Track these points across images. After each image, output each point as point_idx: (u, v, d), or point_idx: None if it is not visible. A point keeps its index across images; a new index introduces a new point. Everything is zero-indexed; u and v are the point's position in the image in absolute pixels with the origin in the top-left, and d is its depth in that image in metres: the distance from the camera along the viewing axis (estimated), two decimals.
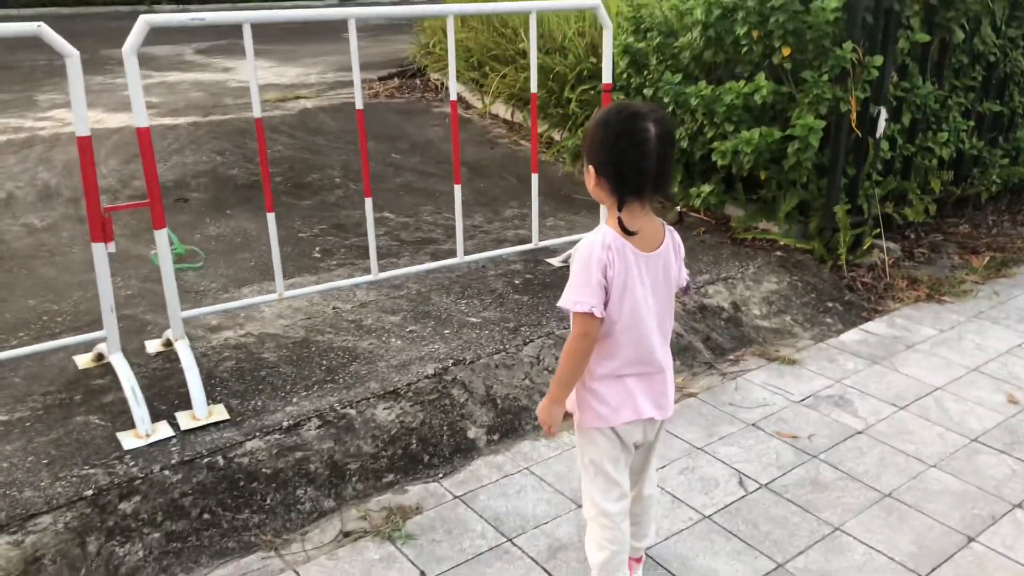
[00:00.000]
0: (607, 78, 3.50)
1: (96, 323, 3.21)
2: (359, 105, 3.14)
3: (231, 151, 5.93)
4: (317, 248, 4.26)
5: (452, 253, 3.69)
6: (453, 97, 3.39)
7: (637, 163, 1.75)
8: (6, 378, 2.96)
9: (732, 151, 3.93)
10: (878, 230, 4.14)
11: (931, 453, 2.74)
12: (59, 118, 6.75)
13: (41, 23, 2.39)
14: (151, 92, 7.75)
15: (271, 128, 6.63)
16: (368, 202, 3.28)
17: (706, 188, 4.25)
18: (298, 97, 7.82)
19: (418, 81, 8.39)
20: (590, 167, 1.83)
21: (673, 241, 1.93)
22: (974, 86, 4.40)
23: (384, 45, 10.58)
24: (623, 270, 1.82)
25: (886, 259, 4.07)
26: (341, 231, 4.49)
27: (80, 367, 3.04)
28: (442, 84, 8.03)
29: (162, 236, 2.84)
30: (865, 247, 4.09)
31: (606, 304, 1.83)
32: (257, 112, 2.97)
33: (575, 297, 1.82)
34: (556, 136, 5.99)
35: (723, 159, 3.99)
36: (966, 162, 4.55)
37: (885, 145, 4.02)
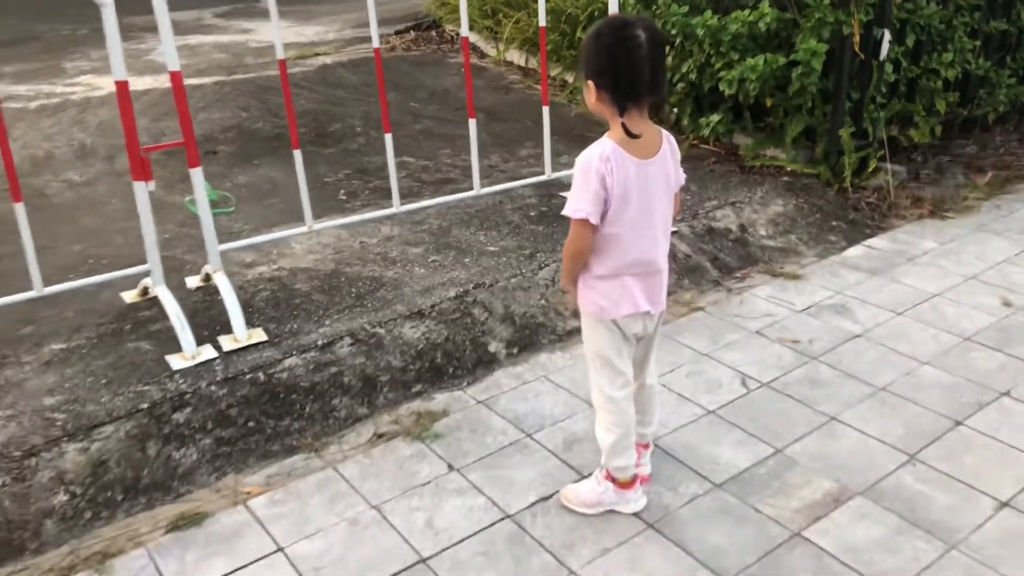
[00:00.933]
0: (614, 7, 3.62)
1: (139, 262, 3.44)
2: (375, 44, 3.30)
3: (256, 107, 6.11)
4: (342, 191, 4.45)
5: (470, 191, 3.87)
6: (464, 33, 3.54)
7: (631, 68, 1.89)
8: (61, 312, 3.20)
9: (738, 79, 4.04)
10: (883, 152, 4.24)
11: (925, 352, 2.90)
12: (88, 83, 6.97)
13: None
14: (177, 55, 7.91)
15: (293, 83, 6.78)
16: (388, 138, 3.45)
17: (715, 118, 4.37)
18: (317, 54, 7.96)
19: (434, 33, 8.48)
20: (589, 81, 1.95)
21: (670, 145, 2.07)
22: (980, 5, 4.44)
23: (401, 0, 10.65)
24: (623, 179, 1.96)
25: (891, 181, 4.19)
26: (364, 175, 4.67)
27: (127, 301, 3.27)
28: (457, 34, 8.12)
29: (197, 174, 3.04)
30: (871, 170, 4.20)
31: (606, 212, 1.98)
32: (280, 54, 3.13)
33: (574, 204, 1.98)
34: (569, 78, 6.09)
35: (730, 88, 4.11)
36: (972, 83, 4.61)
37: (889, 68, 4.11)
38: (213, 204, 4.23)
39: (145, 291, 3.28)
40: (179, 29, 9.76)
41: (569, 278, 2.12)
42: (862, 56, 3.96)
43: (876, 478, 2.32)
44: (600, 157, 1.95)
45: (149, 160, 2.95)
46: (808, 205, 3.99)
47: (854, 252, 3.69)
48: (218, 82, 6.85)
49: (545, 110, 3.85)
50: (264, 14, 10.47)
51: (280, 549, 2.16)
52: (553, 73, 6.34)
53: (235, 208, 4.23)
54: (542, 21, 3.67)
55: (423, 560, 2.10)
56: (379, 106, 5.99)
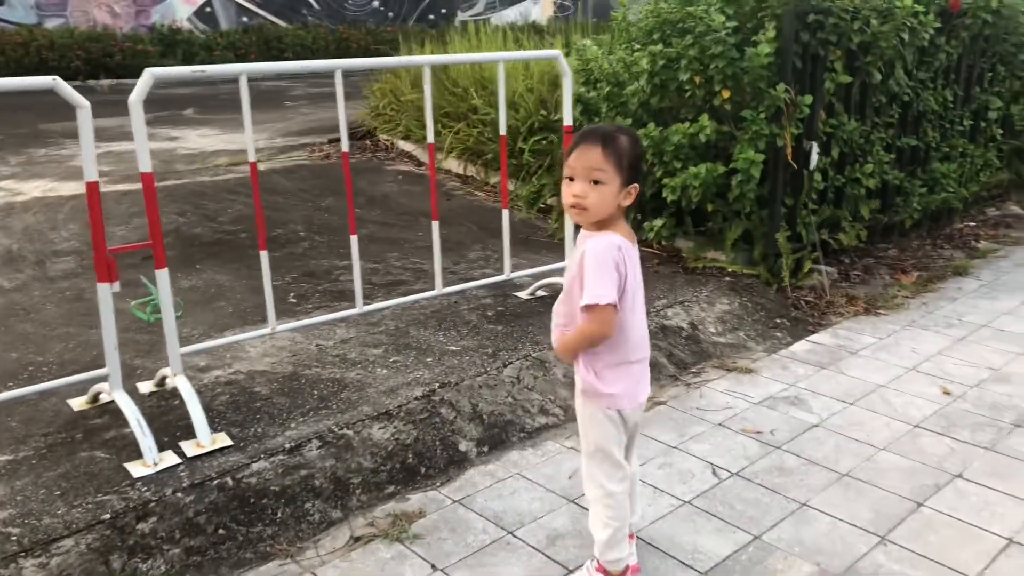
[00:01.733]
0: (568, 121, 3.82)
1: (83, 368, 3.33)
2: (344, 148, 3.39)
3: (191, 211, 6.08)
4: (292, 294, 4.43)
5: (423, 292, 3.92)
6: (431, 140, 3.68)
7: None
8: (3, 422, 3.05)
9: (681, 186, 4.27)
10: (816, 254, 4.50)
11: (880, 439, 3.03)
12: (8, 187, 6.81)
13: (56, 77, 2.59)
14: (101, 161, 7.84)
15: (228, 190, 6.81)
16: (354, 239, 3.49)
17: (658, 222, 4.58)
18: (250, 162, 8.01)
19: (368, 142, 8.67)
20: (635, 186, 2.06)
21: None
22: (892, 123, 4.86)
23: (330, 111, 10.88)
24: (630, 267, 2.07)
25: (825, 281, 4.43)
26: (313, 278, 4.67)
27: (76, 409, 3.14)
28: (392, 144, 8.33)
29: (163, 276, 3.01)
30: (805, 270, 4.44)
31: (621, 299, 2.05)
32: (252, 156, 3.18)
33: (601, 291, 1.99)
34: (510, 186, 6.30)
35: (673, 193, 4.33)
36: (890, 192, 4.98)
37: (818, 176, 4.41)
38: (157, 308, 4.16)
39: (95, 397, 3.16)
40: (104, 136, 9.70)
41: (572, 355, 2.15)
42: (795, 166, 4.25)
43: (853, 559, 2.38)
44: (616, 247, 2.03)
45: (115, 261, 2.90)
46: (752, 303, 4.18)
47: (800, 347, 3.86)
48: None
49: (505, 213, 3.97)
50: (189, 122, 10.54)
51: None
52: (494, 180, 6.55)
53: (182, 312, 4.15)
54: (502, 130, 3.83)
55: None
56: (319, 212, 6.08)
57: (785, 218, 4.39)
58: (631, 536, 2.35)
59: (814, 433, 3.08)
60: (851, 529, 2.52)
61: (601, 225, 2.08)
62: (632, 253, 2.08)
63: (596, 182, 2.01)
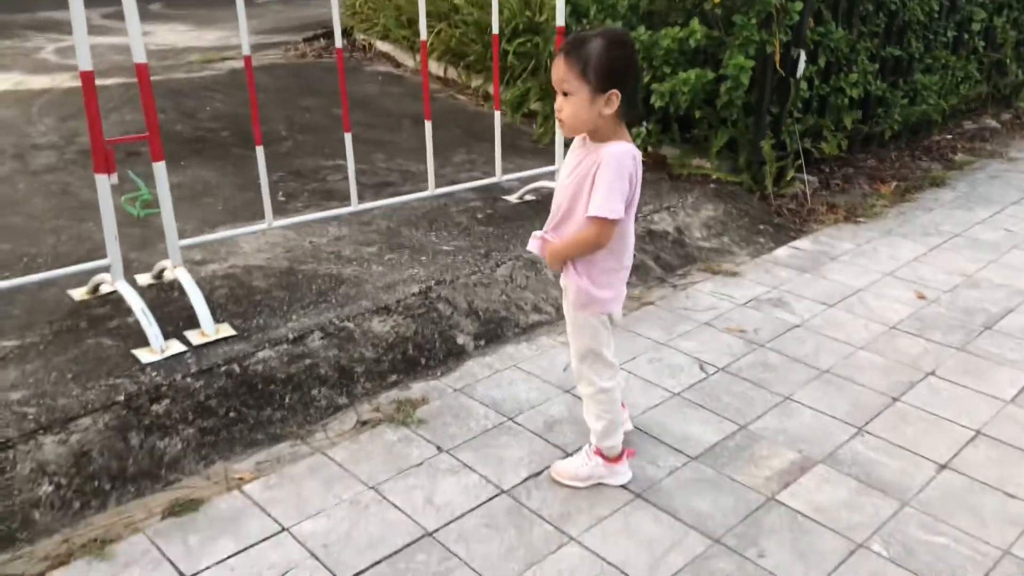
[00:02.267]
0: (560, 21, 3.80)
1: (79, 260, 3.36)
2: (338, 44, 3.35)
3: (170, 109, 5.97)
4: (280, 193, 4.43)
5: (410, 193, 3.94)
6: (424, 37, 3.66)
7: (639, 78, 2.04)
8: (6, 310, 3.08)
9: (670, 92, 4.29)
10: (799, 163, 4.59)
11: (858, 339, 3.19)
12: None
13: None
14: (67, 55, 7.61)
15: (204, 87, 6.68)
16: (347, 136, 3.49)
17: (644, 129, 4.61)
18: (224, 59, 7.82)
19: (345, 41, 8.48)
20: (613, 92, 1.94)
21: None
22: (878, 32, 4.88)
23: (300, 10, 10.58)
24: (638, 178, 2.07)
25: (807, 189, 4.54)
26: (300, 177, 4.66)
27: (77, 299, 3.18)
28: (370, 44, 8.15)
29: (160, 169, 3.01)
30: (788, 179, 4.54)
31: (626, 210, 2.06)
32: (246, 50, 3.15)
33: (612, 205, 1.98)
34: (490, 89, 6.25)
35: (661, 99, 4.35)
36: (872, 102, 5.05)
37: (804, 85, 4.46)
38: (146, 204, 4.15)
39: (96, 288, 3.20)
40: (66, 29, 9.38)
41: (563, 261, 2.16)
42: (782, 73, 4.29)
43: (833, 448, 2.55)
44: (632, 157, 2.01)
45: (112, 153, 2.89)
46: (736, 210, 4.28)
47: (782, 252, 3.99)
48: (123, 84, 6.64)
49: (496, 115, 3.97)
50: (157, 17, 10.17)
51: (285, 529, 2.19)
52: (476, 84, 6.49)
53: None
54: (495, 28, 3.80)
55: (429, 533, 2.17)
56: (299, 111, 6.00)
57: (770, 126, 4.45)
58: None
59: (796, 333, 3.23)
60: (831, 420, 2.68)
61: (599, 136, 2.04)
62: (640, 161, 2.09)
63: (565, 93, 1.98)
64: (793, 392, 2.83)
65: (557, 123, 2.04)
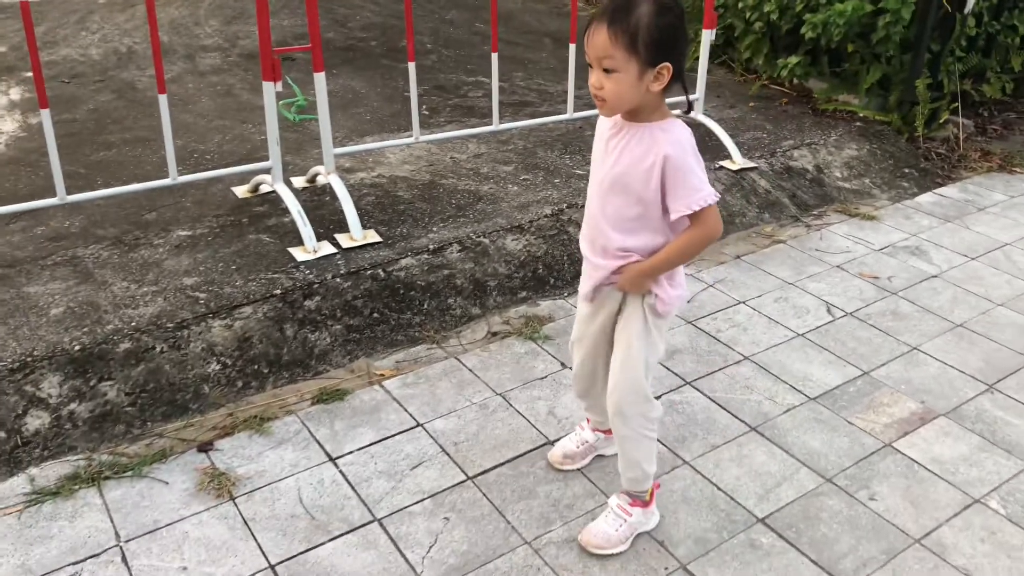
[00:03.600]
0: None
1: (241, 159, 3.63)
2: None
3: (323, 15, 6.16)
4: (424, 107, 4.57)
5: (548, 114, 4.00)
6: None
7: (689, 43, 1.77)
8: (179, 202, 3.38)
9: (823, 23, 4.14)
10: (955, 105, 4.37)
11: (999, 295, 3.10)
12: None
13: None
14: None
15: None
16: (494, 57, 3.56)
17: (792, 60, 4.48)
18: None
19: None
20: (666, 65, 1.68)
21: None
22: None
23: None
24: None
25: (960, 133, 4.33)
26: (443, 92, 4.79)
27: (240, 196, 3.45)
28: None
29: (320, 79, 3.18)
30: (941, 121, 4.33)
31: None
32: None
33: (706, 189, 1.74)
34: None
35: (813, 31, 4.21)
36: None
37: (972, 21, 4.20)
38: (300, 109, 4.39)
39: (256, 187, 3.45)
40: None
41: (654, 279, 1.85)
42: (948, 7, 4.06)
43: (958, 402, 2.54)
44: (690, 135, 1.78)
45: (279, 62, 3.08)
46: (881, 151, 4.14)
47: (926, 198, 3.86)
48: None
49: None
50: None
51: (419, 424, 2.39)
52: None
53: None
54: None
55: (551, 442, 2.33)
56: (444, 24, 6.09)
57: (928, 64, 4.24)
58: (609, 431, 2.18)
59: (932, 283, 3.17)
60: (959, 375, 2.66)
61: (642, 115, 1.76)
62: None
63: (607, 71, 1.68)
64: (922, 343, 2.81)
65: (594, 101, 1.75)
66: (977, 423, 2.45)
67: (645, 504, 2.04)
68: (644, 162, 1.75)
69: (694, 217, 1.76)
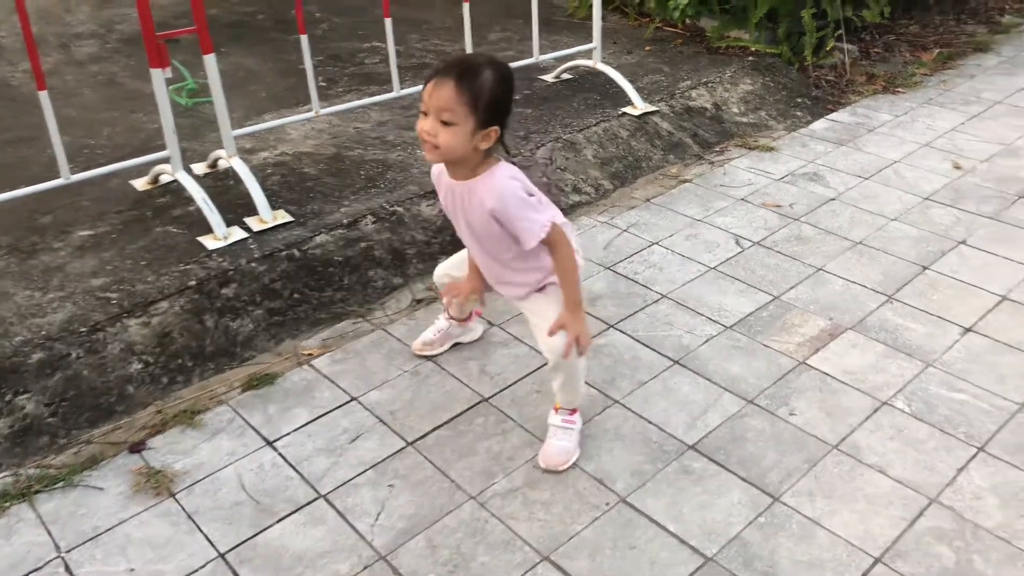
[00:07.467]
0: None
1: (136, 151, 3.50)
2: None
3: None
4: (320, 78, 4.49)
5: None
6: None
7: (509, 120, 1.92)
8: (75, 201, 3.26)
9: None
10: (839, 32, 4.53)
11: (892, 210, 3.27)
12: None
13: None
14: None
15: None
16: (388, 22, 3.52)
17: (683, 0, 4.55)
18: None
19: None
20: (495, 128, 1.86)
21: None
22: None
23: None
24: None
25: (846, 59, 4.49)
26: (339, 61, 4.71)
27: (140, 189, 3.35)
28: None
29: (211, 61, 3.10)
30: (828, 48, 4.49)
31: None
32: None
33: (543, 219, 1.91)
34: None
35: None
36: None
37: None
38: (192, 93, 4.26)
39: (156, 178, 3.36)
40: None
41: (580, 299, 2.04)
42: None
43: (862, 315, 2.69)
44: (517, 179, 1.95)
45: (166, 47, 2.98)
46: (774, 83, 4.27)
47: (819, 125, 4.01)
48: None
49: None
50: None
51: (354, 398, 2.41)
52: None
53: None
54: None
55: (485, 399, 2.38)
56: None
57: None
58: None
59: (831, 206, 3.32)
60: (862, 290, 2.81)
61: (465, 167, 1.94)
62: None
63: (446, 123, 1.81)
64: (826, 264, 2.95)
65: (422, 145, 1.89)
66: (880, 332, 2.60)
67: (576, 409, 2.23)
68: (483, 216, 1.95)
69: (545, 242, 1.95)
